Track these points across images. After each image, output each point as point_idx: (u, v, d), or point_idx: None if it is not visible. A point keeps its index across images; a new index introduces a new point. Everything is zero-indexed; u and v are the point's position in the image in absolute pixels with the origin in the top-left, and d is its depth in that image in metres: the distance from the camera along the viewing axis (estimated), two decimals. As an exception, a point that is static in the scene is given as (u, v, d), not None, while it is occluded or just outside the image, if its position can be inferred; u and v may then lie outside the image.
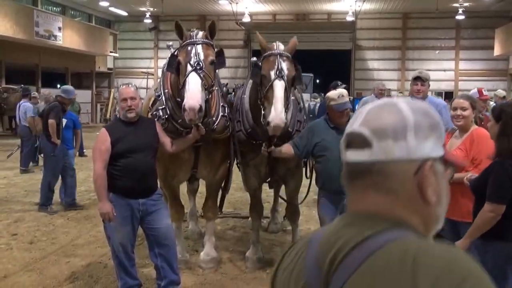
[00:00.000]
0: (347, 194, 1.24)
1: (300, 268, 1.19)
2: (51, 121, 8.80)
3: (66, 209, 8.98)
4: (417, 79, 6.02)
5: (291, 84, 5.13)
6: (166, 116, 5.33)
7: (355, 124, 1.21)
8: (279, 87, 4.90)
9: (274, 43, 5.24)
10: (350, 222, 1.15)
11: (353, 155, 1.19)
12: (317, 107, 14.03)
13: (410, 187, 1.13)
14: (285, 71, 4.99)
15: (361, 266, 1.04)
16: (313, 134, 5.21)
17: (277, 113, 4.76)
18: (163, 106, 5.38)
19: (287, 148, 5.33)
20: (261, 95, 5.05)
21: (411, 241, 1.06)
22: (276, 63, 5.00)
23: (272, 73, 4.97)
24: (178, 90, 5.01)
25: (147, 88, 22.68)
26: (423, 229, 1.15)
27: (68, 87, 9.51)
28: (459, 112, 4.60)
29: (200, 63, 4.81)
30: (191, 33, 5.07)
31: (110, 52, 32.32)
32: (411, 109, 1.16)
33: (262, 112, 5.01)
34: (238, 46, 31.49)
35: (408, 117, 1.14)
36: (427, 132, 1.15)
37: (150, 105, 5.73)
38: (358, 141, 1.17)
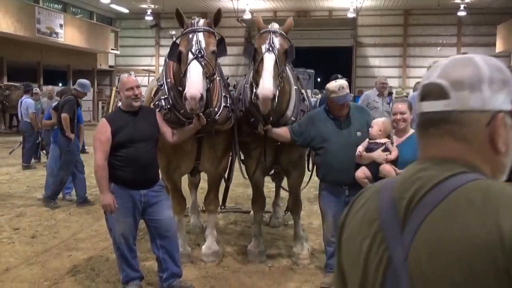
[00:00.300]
0: (419, 143, 1.31)
1: (372, 212, 1.26)
2: (64, 115, 8.73)
3: (79, 205, 8.97)
4: None
5: (284, 59, 5.08)
6: (169, 106, 5.30)
7: (432, 77, 1.27)
8: (268, 59, 4.88)
9: (270, 24, 5.25)
10: (427, 167, 1.23)
11: (429, 106, 1.26)
12: (317, 104, 14.02)
13: (483, 137, 1.21)
14: (277, 45, 4.97)
15: (442, 203, 1.11)
16: (312, 124, 5.20)
17: (264, 84, 4.73)
18: (166, 96, 5.35)
19: (284, 131, 5.32)
20: (254, 71, 5.05)
21: (490, 181, 1.15)
22: (268, 38, 5.00)
23: (263, 47, 4.97)
24: (180, 79, 5.00)
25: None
26: (492, 177, 1.23)
27: (84, 81, 9.43)
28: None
29: (202, 51, 4.78)
30: (192, 21, 5.05)
31: (111, 49, 32.30)
32: (486, 63, 1.24)
33: (254, 90, 4.95)
34: (239, 43, 31.36)
35: (484, 70, 1.22)
36: (500, 85, 1.22)
37: (152, 95, 5.71)
38: (436, 92, 1.25)
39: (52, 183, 9.04)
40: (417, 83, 9.99)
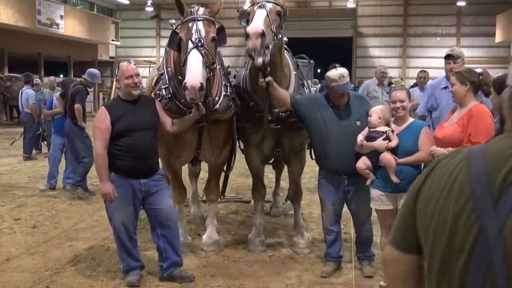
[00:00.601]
0: (507, 116, 1.33)
1: (462, 181, 1.28)
2: (77, 106, 8.69)
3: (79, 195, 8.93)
4: (448, 57, 5.89)
5: (278, 19, 4.98)
6: (169, 96, 5.26)
7: None
8: (259, 12, 4.82)
9: None
10: None
11: None
12: (317, 92, 13.99)
13: None
14: (269, 6, 4.91)
15: None
16: (313, 106, 5.16)
17: (254, 22, 4.68)
18: (166, 85, 5.31)
19: (285, 95, 5.25)
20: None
21: None
22: (260, 2, 4.94)
23: (255, 7, 4.92)
24: (180, 68, 4.95)
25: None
26: None
27: (94, 70, 9.36)
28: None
29: (201, 39, 4.74)
30: (192, 9, 5.01)
31: (112, 40, 32.18)
32: None
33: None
34: (239, 34, 31.07)
35: None
36: None
37: (153, 85, 5.67)
38: None
39: (78, 169, 8.95)
40: (421, 71, 9.92)
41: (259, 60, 4.72)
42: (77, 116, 8.70)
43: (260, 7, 4.88)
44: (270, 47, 4.76)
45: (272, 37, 4.80)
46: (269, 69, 5.00)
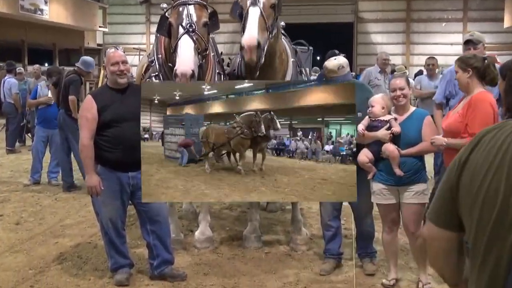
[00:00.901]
0: None
1: None
2: (72, 98, 8.61)
3: (65, 190, 8.91)
4: (467, 43, 5.86)
5: (272, 13, 4.97)
6: None
7: None
8: (253, 12, 4.80)
9: None
10: None
11: None
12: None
13: None
14: (262, 0, 4.89)
15: None
16: None
17: (248, 32, 4.68)
18: (157, 73, 5.29)
19: None
20: (241, 28, 4.94)
21: None
22: None
23: (248, 2, 4.90)
24: (170, 54, 4.92)
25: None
26: None
27: (88, 58, 9.31)
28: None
29: (193, 25, 4.72)
30: None
31: (100, 27, 32.00)
32: None
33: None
34: (234, 20, 31.05)
35: None
36: None
37: (143, 72, 5.65)
38: None
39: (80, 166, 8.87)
40: (429, 58, 9.89)
41: (252, 61, 4.80)
42: (72, 108, 8.63)
43: (252, 3, 4.85)
44: (265, 47, 4.79)
45: (267, 36, 4.83)
46: (258, 73, 5.06)
